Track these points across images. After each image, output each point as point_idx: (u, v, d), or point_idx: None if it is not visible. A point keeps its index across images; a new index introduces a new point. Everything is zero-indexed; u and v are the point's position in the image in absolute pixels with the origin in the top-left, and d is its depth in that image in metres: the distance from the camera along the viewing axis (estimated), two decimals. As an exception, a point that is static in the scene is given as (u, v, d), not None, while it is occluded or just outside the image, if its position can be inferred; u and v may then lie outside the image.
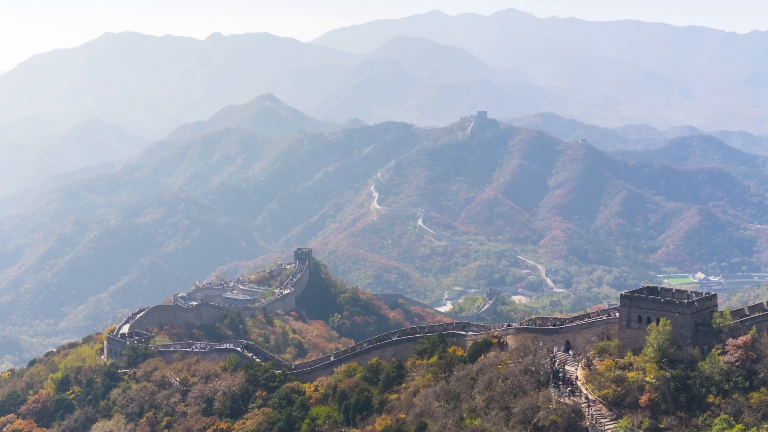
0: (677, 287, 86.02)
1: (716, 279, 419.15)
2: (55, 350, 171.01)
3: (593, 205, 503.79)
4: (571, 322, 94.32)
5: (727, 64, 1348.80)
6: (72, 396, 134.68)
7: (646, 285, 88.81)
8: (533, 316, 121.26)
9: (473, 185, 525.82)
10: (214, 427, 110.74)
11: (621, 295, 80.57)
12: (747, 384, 70.22)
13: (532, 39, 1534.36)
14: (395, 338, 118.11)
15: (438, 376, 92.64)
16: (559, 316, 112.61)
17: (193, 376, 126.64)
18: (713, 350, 73.11)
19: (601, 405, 72.65)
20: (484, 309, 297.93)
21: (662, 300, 77.13)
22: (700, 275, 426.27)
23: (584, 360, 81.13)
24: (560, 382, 77.07)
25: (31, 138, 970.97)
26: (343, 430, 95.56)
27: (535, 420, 72.73)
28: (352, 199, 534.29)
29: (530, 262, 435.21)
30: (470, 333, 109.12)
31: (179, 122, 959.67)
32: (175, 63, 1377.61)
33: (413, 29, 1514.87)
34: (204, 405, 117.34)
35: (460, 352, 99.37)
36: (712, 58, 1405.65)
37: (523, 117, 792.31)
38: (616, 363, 76.07)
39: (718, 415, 68.24)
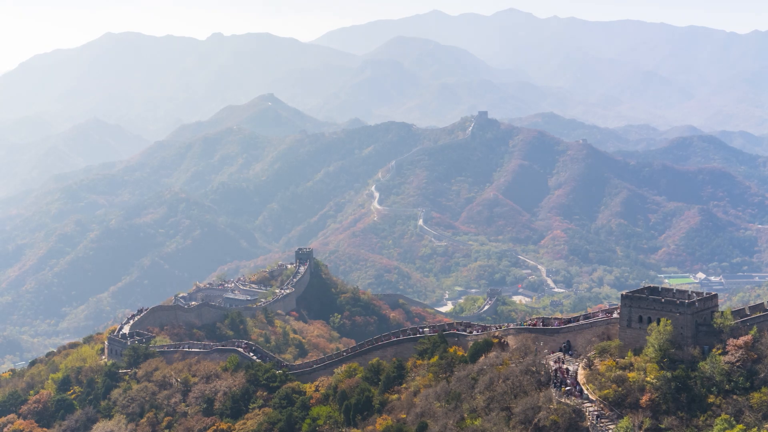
0: (678, 287, 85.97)
1: (717, 279, 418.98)
2: (55, 350, 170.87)
3: (594, 205, 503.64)
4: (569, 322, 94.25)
5: (728, 64, 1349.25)
6: (73, 396, 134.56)
7: (646, 285, 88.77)
8: (533, 316, 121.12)
9: (474, 185, 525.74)
10: (215, 427, 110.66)
11: (622, 295, 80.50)
12: (748, 384, 70.16)
13: (532, 39, 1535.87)
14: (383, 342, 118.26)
15: (439, 377, 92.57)
16: (559, 316, 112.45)
17: (193, 376, 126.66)
18: (714, 350, 73.04)
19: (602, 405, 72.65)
20: (484, 309, 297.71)
21: (663, 300, 77.09)
22: (701, 275, 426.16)
23: (585, 360, 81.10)
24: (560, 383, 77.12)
25: (32, 138, 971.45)
26: (343, 430, 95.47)
27: (536, 420, 72.71)
28: (352, 199, 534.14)
29: (531, 262, 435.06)
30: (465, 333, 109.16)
31: (180, 122, 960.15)
32: (175, 63, 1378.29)
33: (414, 29, 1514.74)
34: (205, 405, 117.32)
35: (460, 353, 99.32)
36: (712, 58, 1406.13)
37: (523, 117, 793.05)
38: (616, 363, 76.05)
39: (719, 416, 68.18)
